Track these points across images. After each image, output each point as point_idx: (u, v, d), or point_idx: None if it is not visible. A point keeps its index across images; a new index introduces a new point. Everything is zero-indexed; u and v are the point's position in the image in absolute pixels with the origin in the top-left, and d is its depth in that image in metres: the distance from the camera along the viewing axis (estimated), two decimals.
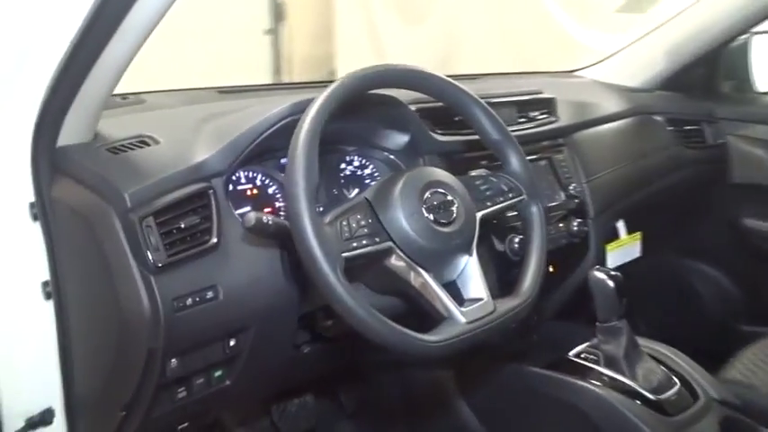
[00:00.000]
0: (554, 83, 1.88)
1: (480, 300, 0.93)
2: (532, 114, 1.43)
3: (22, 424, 1.03)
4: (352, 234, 0.85)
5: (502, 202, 1.01)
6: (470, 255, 0.95)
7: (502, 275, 1.24)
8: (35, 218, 0.97)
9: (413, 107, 1.19)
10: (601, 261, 1.49)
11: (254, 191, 1.11)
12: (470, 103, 1.03)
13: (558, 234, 1.36)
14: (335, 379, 1.59)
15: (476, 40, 3.72)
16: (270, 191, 1.13)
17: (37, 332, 1.01)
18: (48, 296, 0.99)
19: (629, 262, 1.61)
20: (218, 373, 1.01)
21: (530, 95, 1.46)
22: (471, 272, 0.95)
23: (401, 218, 0.90)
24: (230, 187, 1.08)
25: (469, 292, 0.94)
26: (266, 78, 3.94)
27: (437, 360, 0.87)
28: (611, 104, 1.71)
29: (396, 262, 0.90)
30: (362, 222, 0.88)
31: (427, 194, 0.93)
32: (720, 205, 1.89)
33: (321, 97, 0.88)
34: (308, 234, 0.81)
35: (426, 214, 0.92)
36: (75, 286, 0.97)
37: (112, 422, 0.98)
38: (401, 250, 0.89)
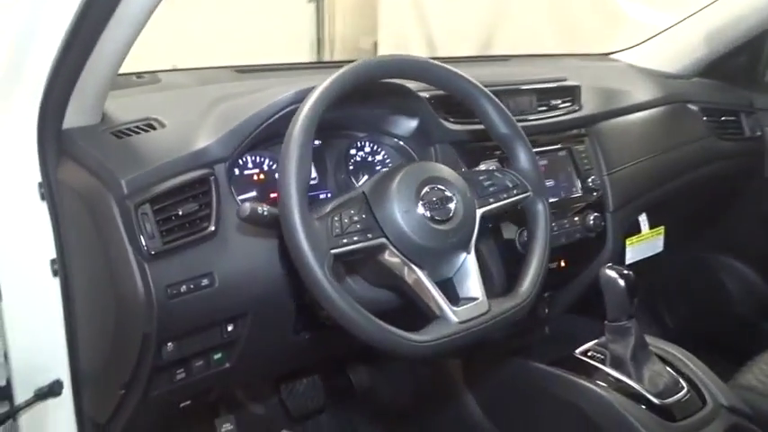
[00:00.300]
0: (586, 67, 1.82)
1: (475, 299, 0.91)
2: (554, 102, 1.39)
3: (31, 395, 1.07)
4: (344, 230, 0.84)
5: (505, 198, 0.99)
6: (468, 252, 0.94)
7: (510, 267, 1.22)
8: (43, 197, 0.99)
9: (426, 94, 1.17)
10: (619, 256, 1.45)
11: (261, 176, 1.11)
12: (478, 95, 1.00)
13: (573, 228, 1.32)
14: (345, 360, 1.60)
15: (523, 16, 3.60)
16: (277, 176, 1.12)
17: (45, 307, 1.04)
18: (55, 273, 1.02)
19: (654, 255, 1.57)
20: (217, 356, 1.02)
21: (552, 82, 1.41)
22: (468, 270, 0.93)
23: (396, 213, 0.88)
24: (236, 171, 1.08)
25: (465, 291, 0.93)
26: (308, 49, 3.90)
27: (425, 360, 0.86)
28: (643, 92, 1.64)
29: (390, 258, 0.89)
30: (355, 218, 0.86)
31: (425, 190, 0.91)
32: (755, 199, 1.82)
33: (319, 89, 0.87)
34: (297, 230, 0.80)
35: (422, 211, 0.90)
36: (80, 266, 0.99)
37: (113, 399, 1.01)
38: (395, 246, 0.88)
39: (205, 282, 0.93)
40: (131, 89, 1.18)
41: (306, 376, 1.56)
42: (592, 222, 1.33)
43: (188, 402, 1.10)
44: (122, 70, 1.25)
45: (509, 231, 1.24)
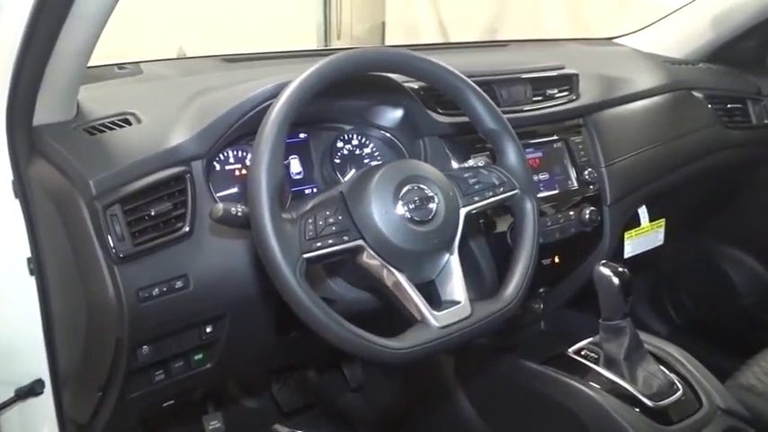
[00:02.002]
0: (589, 52, 1.76)
1: (457, 303, 0.88)
2: (550, 92, 1.33)
3: (11, 394, 1.06)
4: (318, 233, 0.81)
5: (491, 196, 0.95)
6: (451, 253, 0.90)
7: (500, 262, 1.18)
8: (17, 195, 0.97)
9: (414, 85, 1.13)
10: (617, 250, 1.41)
11: (244, 171, 1.08)
12: (463, 88, 0.96)
13: (568, 222, 1.28)
14: (339, 354, 1.58)
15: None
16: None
17: (24, 306, 1.02)
18: (31, 272, 1.00)
19: (655, 249, 1.52)
20: (198, 357, 1.00)
21: (549, 71, 1.36)
22: (451, 271, 0.90)
23: (374, 214, 0.85)
24: (217, 167, 1.05)
25: (448, 293, 0.89)
26: (315, 36, 3.85)
27: (403, 367, 0.83)
28: (646, 79, 1.58)
29: (368, 260, 0.86)
30: (331, 220, 0.83)
31: (405, 189, 0.87)
32: (761, 190, 1.76)
33: (294, 84, 0.83)
34: (267, 234, 0.77)
35: (402, 211, 0.86)
36: (53, 266, 0.97)
37: (92, 400, 0.99)
38: (372, 249, 0.85)
39: (179, 284, 0.90)
40: (110, 81, 1.15)
41: (298, 370, 1.54)
42: (588, 216, 1.29)
43: (171, 402, 1.08)
44: (119, 58, 1.23)
45: (503, 224, 1.20)
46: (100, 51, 0.92)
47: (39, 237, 0.97)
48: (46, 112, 0.94)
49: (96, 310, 0.88)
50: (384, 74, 1.06)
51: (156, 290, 0.88)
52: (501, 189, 0.96)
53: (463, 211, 0.92)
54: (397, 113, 1.15)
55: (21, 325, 1.03)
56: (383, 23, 3.88)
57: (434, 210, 0.88)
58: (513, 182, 0.97)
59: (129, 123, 0.99)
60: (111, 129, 0.97)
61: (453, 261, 0.90)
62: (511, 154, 0.98)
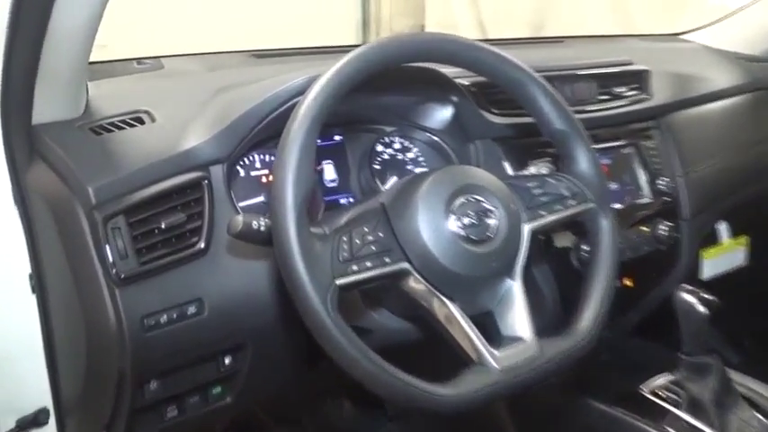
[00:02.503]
0: (653, 49, 1.60)
1: (521, 339, 0.73)
2: (618, 90, 1.19)
3: (13, 423, 0.95)
4: (354, 253, 0.67)
5: (560, 210, 0.80)
6: (513, 279, 0.75)
7: (563, 285, 1.03)
8: (16, 203, 0.86)
9: (465, 81, 1.00)
10: (694, 271, 1.25)
11: (272, 177, 0.95)
12: (526, 81, 0.81)
13: (641, 239, 1.12)
14: None
15: None
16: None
17: (26, 327, 0.91)
18: (33, 290, 0.89)
19: (735, 270, 1.35)
20: (216, 390, 0.88)
21: (616, 67, 1.21)
22: (513, 300, 0.75)
23: (420, 231, 0.70)
24: (241, 173, 0.93)
25: (509, 327, 0.74)
26: (353, 31, 3.75)
27: (456, 416, 0.69)
28: (723, 78, 1.42)
29: (414, 285, 0.72)
30: (370, 237, 0.69)
31: (458, 201, 0.73)
32: None
33: (324, 78, 0.69)
34: (293, 253, 0.64)
35: (455, 228, 0.72)
36: (54, 284, 0.85)
37: None
38: (419, 273, 0.71)
39: (192, 309, 0.78)
40: (126, 77, 1.03)
41: (332, 397, 1.40)
42: (664, 233, 1.13)
43: None
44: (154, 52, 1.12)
45: (563, 239, 1.05)
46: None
47: (39, 250, 0.86)
48: (46, 108, 0.82)
49: (96, 338, 0.77)
50: (431, 67, 0.92)
51: (165, 316, 0.75)
52: (572, 202, 0.81)
53: (527, 228, 0.77)
54: (446, 113, 1.01)
55: (23, 346, 0.92)
56: (422, 25, 3.76)
57: (494, 226, 0.73)
58: (586, 193, 0.82)
59: (142, 122, 0.87)
60: (120, 128, 0.85)
61: (516, 288, 0.75)
62: (583, 160, 0.83)
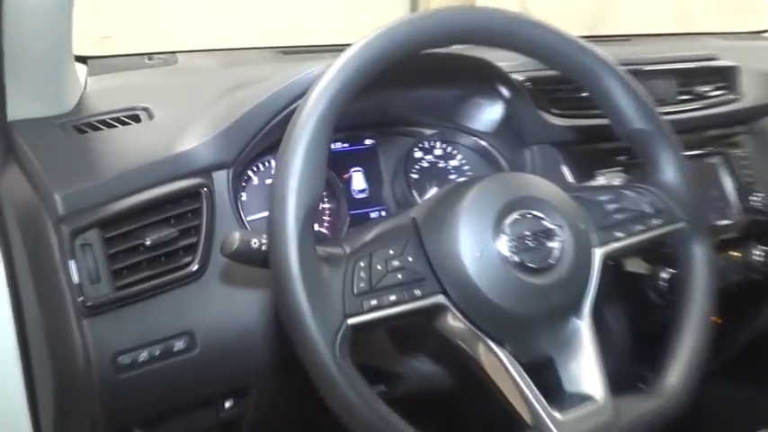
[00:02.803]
0: (732, 47, 1.42)
1: (590, 398, 0.56)
2: (701, 89, 1.02)
3: None
4: (374, 283, 0.52)
5: (641, 232, 0.64)
6: (580, 318, 0.59)
7: (637, 320, 0.87)
8: None
9: (519, 76, 0.86)
10: None
11: None
12: (601, 70, 0.66)
13: (730, 266, 0.96)
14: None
15: None
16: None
17: (6, 352, 0.79)
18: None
19: None
20: None
21: (699, 62, 1.04)
22: (580, 346, 0.59)
23: (461, 256, 0.55)
24: (254, 180, 0.80)
25: (573, 381, 0.58)
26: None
27: None
28: None
29: (453, 324, 0.57)
30: (395, 262, 0.54)
31: (511, 218, 0.57)
32: None
33: (335, 65, 0.55)
34: (292, 282, 0.50)
35: (505, 252, 0.56)
36: (30, 307, 0.73)
37: None
38: (459, 309, 0.55)
39: (180, 345, 0.64)
40: (133, 72, 0.92)
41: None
42: (758, 258, 0.95)
43: None
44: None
45: (635, 263, 0.89)
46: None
47: (16, 268, 0.74)
48: (27, 104, 0.71)
49: (65, 378, 0.64)
50: (480, 57, 0.79)
51: (146, 353, 0.62)
52: (657, 221, 0.64)
53: (599, 253, 0.61)
54: (496, 113, 0.87)
55: (3, 376, 0.80)
56: None
57: (557, 250, 0.57)
58: (674, 210, 0.65)
59: (138, 120, 0.76)
60: (111, 126, 0.73)
61: (584, 330, 0.59)
62: (669, 168, 0.67)
